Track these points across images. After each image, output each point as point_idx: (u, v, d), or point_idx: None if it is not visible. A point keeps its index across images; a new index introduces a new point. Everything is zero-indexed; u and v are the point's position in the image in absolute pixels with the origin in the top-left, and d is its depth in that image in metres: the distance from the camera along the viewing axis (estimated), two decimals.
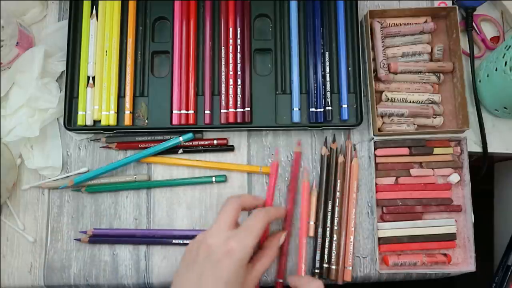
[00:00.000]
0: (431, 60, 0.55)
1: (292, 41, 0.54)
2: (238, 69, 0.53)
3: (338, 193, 0.52)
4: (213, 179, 0.53)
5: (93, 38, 0.53)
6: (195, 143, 0.53)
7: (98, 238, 0.52)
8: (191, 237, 0.51)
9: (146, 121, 0.53)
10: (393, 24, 0.55)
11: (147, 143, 0.53)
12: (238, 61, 0.53)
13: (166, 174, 0.54)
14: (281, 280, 0.50)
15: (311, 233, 0.51)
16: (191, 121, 0.52)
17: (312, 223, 0.51)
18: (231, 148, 0.54)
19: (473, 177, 0.53)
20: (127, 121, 0.52)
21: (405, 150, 0.53)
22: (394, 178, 0.53)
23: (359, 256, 0.52)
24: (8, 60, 0.53)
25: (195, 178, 0.53)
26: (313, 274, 0.51)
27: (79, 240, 0.52)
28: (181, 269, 0.42)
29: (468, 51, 0.56)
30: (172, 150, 0.53)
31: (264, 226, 0.43)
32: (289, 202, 0.52)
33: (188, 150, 0.54)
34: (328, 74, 0.53)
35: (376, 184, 0.53)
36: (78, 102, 0.52)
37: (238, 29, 0.54)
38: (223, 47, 0.54)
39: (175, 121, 0.52)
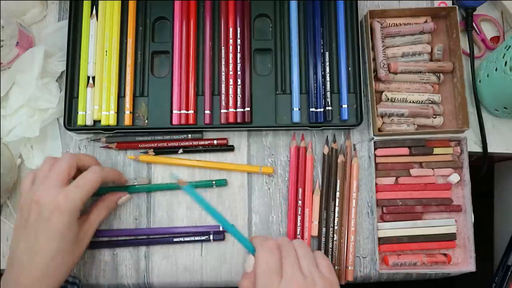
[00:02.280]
0: (431, 60, 0.55)
1: (292, 41, 0.54)
2: (238, 69, 0.53)
3: (338, 193, 0.52)
4: (213, 183, 0.52)
5: (93, 38, 0.53)
6: (195, 143, 0.53)
7: (98, 243, 0.52)
8: (192, 234, 0.51)
9: (146, 121, 0.53)
10: (393, 24, 0.55)
11: (147, 143, 0.53)
12: (238, 61, 0.53)
13: (166, 174, 0.54)
14: None
15: (315, 233, 0.51)
16: (191, 121, 0.52)
17: (316, 223, 0.51)
18: (231, 148, 0.54)
19: (473, 177, 0.53)
20: (127, 121, 0.52)
21: (405, 150, 0.53)
22: (394, 178, 0.53)
23: (359, 256, 0.52)
24: (8, 60, 0.53)
25: (195, 182, 0.53)
26: None
27: None
28: (17, 230, 0.43)
29: (468, 51, 0.56)
30: (172, 150, 0.53)
31: (97, 182, 0.44)
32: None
33: (188, 150, 0.54)
34: (328, 74, 0.53)
35: (376, 184, 0.53)
36: (78, 102, 0.52)
37: (238, 29, 0.54)
38: (223, 47, 0.54)
39: (175, 121, 0.52)
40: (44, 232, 0.41)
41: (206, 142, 0.54)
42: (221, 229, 0.52)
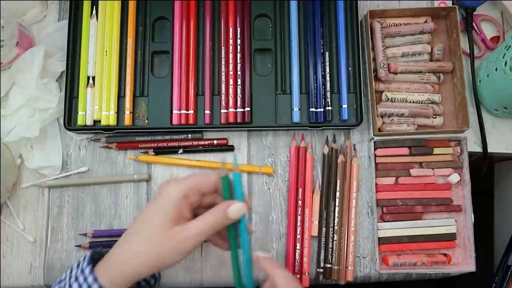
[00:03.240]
0: (431, 60, 0.55)
1: (292, 41, 0.54)
2: (238, 69, 0.53)
3: (338, 193, 0.52)
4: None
5: (93, 38, 0.53)
6: (195, 143, 0.53)
7: (99, 243, 0.52)
8: None
9: (146, 121, 0.53)
10: (393, 24, 0.55)
11: (147, 143, 0.53)
12: (238, 61, 0.53)
13: (166, 174, 0.54)
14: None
15: (315, 233, 0.51)
16: (191, 121, 0.52)
17: (316, 223, 0.51)
18: (231, 148, 0.54)
19: (473, 177, 0.53)
20: (127, 121, 0.52)
21: (405, 150, 0.53)
22: (394, 178, 0.53)
23: (359, 256, 0.52)
24: (8, 60, 0.53)
25: None
26: (317, 273, 0.51)
27: (79, 246, 0.52)
28: None
29: (468, 51, 0.56)
30: (172, 150, 0.53)
31: (199, 181, 0.39)
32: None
33: (188, 150, 0.54)
34: (328, 74, 0.53)
35: (376, 184, 0.53)
36: (78, 102, 0.52)
37: (238, 29, 0.54)
38: (223, 47, 0.54)
39: (175, 121, 0.52)
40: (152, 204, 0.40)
41: (206, 142, 0.54)
42: None
